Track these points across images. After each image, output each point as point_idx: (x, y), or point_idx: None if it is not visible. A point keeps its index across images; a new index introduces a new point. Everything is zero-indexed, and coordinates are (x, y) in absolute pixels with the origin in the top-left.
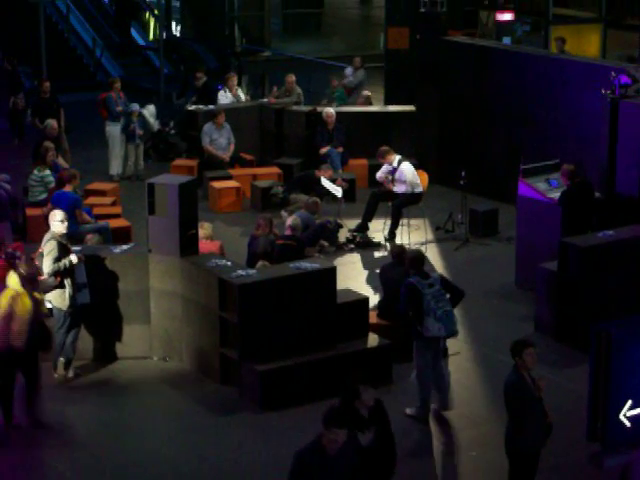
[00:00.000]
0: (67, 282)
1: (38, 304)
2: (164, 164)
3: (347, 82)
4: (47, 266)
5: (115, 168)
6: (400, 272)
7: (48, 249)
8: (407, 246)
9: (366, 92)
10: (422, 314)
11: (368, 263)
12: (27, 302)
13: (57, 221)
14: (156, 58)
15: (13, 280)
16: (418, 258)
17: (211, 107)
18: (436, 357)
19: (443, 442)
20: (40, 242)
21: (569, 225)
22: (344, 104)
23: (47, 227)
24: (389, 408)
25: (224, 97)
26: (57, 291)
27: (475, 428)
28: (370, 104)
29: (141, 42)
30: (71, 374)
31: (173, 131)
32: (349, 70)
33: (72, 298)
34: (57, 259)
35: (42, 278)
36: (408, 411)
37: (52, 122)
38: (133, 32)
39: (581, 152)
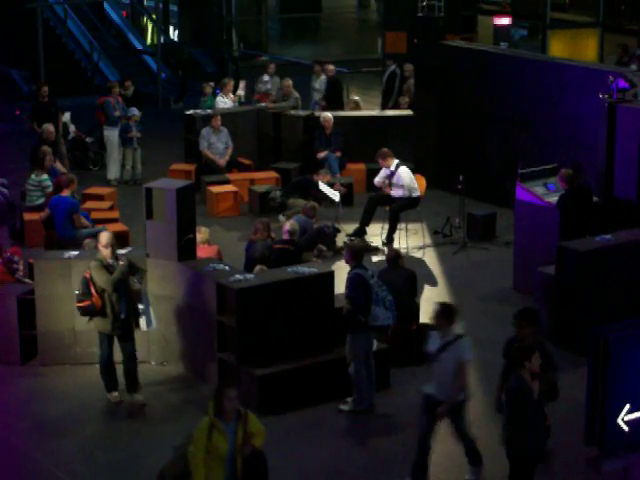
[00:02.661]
0: (109, 308)
1: (246, 436)
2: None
3: (266, 89)
4: (104, 282)
5: (113, 173)
6: (397, 276)
7: (95, 270)
8: (404, 250)
9: (355, 97)
10: (370, 304)
11: None
12: (221, 435)
13: (102, 246)
14: (154, 62)
15: (210, 407)
16: (360, 251)
17: (209, 111)
18: (369, 350)
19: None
20: (37, 247)
21: (567, 229)
22: None
23: (44, 232)
24: (387, 413)
25: (222, 102)
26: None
27: (472, 432)
28: (360, 109)
29: (139, 46)
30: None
31: (89, 139)
32: (266, 77)
33: (115, 322)
34: (110, 273)
35: (85, 304)
36: (344, 407)
37: (48, 126)
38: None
39: (579, 156)
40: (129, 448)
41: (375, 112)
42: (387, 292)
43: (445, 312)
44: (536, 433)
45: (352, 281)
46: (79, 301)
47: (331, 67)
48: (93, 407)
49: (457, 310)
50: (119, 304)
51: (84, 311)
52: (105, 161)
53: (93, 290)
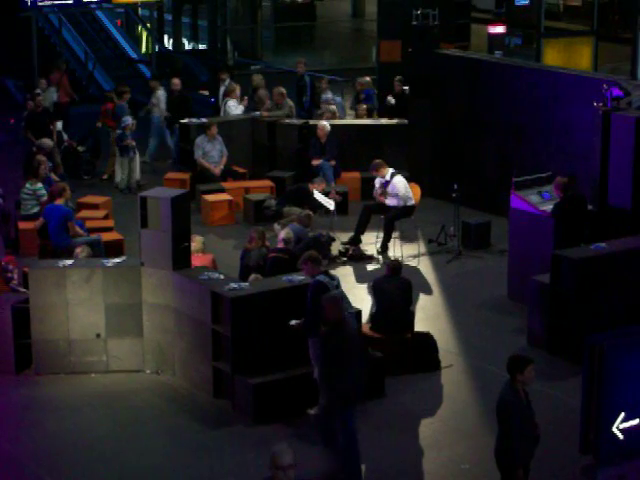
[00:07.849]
0: None
1: None
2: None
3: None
4: None
5: (120, 176)
6: (393, 285)
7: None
8: (400, 259)
9: (332, 107)
10: None
11: (361, 276)
12: None
13: None
14: (148, 71)
15: None
16: (317, 257)
17: (203, 120)
18: None
19: (434, 456)
20: (32, 256)
21: (562, 237)
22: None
23: (39, 241)
24: (382, 421)
25: (234, 107)
26: None
27: (467, 441)
28: (336, 118)
29: (133, 55)
30: None
31: (81, 148)
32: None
33: None
34: None
35: None
36: (312, 411)
37: (46, 141)
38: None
39: (573, 164)
40: (124, 457)
41: (369, 121)
42: (349, 304)
43: None
44: (526, 443)
45: (312, 289)
46: None
47: (176, 81)
48: (88, 416)
49: None
50: None
51: None
52: (98, 170)
53: None
